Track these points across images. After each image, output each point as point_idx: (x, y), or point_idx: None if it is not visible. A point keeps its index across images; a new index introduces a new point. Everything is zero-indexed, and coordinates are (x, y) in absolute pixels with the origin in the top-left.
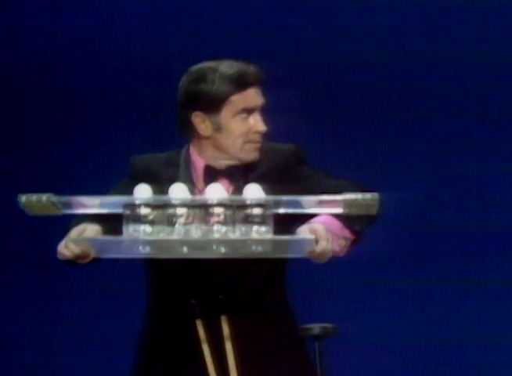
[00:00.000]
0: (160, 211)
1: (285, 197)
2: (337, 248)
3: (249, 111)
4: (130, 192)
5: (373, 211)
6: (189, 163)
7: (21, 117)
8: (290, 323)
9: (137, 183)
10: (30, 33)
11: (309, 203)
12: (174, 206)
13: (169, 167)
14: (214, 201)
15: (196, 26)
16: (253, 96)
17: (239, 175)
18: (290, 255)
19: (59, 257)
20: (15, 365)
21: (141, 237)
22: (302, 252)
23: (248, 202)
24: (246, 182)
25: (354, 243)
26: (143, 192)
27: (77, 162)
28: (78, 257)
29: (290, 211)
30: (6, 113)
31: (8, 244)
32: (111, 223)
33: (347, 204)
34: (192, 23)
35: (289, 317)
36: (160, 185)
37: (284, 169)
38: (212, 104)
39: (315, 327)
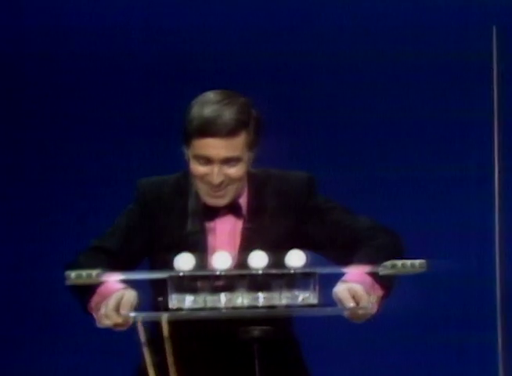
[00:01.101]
0: (204, 281)
1: (329, 267)
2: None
3: (207, 159)
4: (141, 223)
5: (414, 272)
6: (197, 193)
7: (22, 122)
8: (295, 352)
9: (147, 211)
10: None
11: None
12: (218, 276)
13: (178, 195)
14: (259, 271)
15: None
16: (209, 147)
17: (247, 208)
18: (329, 315)
19: (99, 325)
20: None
21: (185, 307)
22: (342, 313)
23: (292, 271)
24: (257, 214)
25: (383, 298)
26: (186, 262)
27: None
28: (118, 325)
29: (330, 271)
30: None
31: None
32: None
33: (393, 270)
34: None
35: (294, 346)
36: (171, 215)
37: (298, 201)
38: (184, 139)
39: (255, 329)
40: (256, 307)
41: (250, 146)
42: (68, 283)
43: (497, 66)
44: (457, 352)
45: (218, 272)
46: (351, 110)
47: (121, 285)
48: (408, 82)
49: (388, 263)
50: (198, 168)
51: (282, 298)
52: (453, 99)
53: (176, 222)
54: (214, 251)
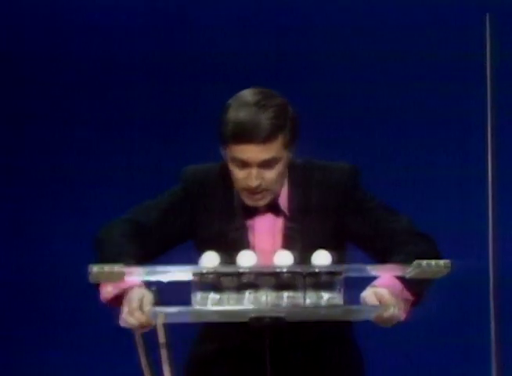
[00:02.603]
0: (228, 279)
1: (355, 265)
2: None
3: (244, 163)
4: (182, 206)
5: (441, 276)
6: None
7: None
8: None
9: (190, 196)
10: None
11: (379, 268)
12: (243, 274)
13: (222, 185)
14: (284, 269)
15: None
16: (246, 152)
17: (287, 205)
18: (357, 319)
19: (123, 325)
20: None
21: (209, 305)
22: (369, 317)
23: (318, 270)
24: (299, 211)
25: (413, 305)
26: (211, 259)
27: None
28: (143, 325)
29: (357, 275)
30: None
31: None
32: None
33: (418, 270)
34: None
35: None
36: (213, 205)
37: (342, 193)
38: (221, 140)
39: (266, 317)
40: (280, 306)
41: (287, 145)
42: (91, 276)
43: (490, 55)
44: (452, 352)
45: (241, 270)
46: (347, 110)
47: (138, 281)
48: (402, 79)
49: (414, 263)
50: (236, 171)
51: (306, 298)
52: (446, 96)
53: (217, 214)
54: (253, 249)
